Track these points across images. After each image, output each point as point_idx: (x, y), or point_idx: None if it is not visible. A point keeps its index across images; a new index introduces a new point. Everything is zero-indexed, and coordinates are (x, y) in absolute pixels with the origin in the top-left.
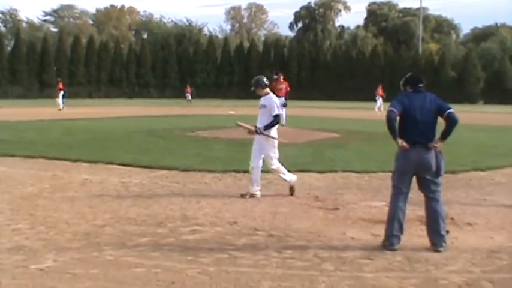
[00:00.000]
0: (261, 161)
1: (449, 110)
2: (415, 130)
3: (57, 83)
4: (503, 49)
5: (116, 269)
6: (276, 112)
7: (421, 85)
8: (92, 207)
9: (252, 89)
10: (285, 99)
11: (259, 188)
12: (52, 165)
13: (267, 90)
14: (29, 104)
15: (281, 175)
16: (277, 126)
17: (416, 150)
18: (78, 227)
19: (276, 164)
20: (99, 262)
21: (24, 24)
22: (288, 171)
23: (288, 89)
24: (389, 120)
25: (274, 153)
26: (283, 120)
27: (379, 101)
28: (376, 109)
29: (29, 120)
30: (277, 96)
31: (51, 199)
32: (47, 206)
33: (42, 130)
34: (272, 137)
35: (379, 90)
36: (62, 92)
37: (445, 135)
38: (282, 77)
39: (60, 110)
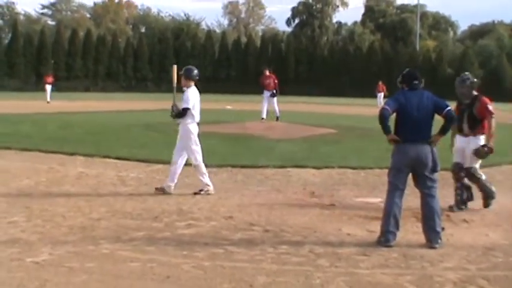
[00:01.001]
0: (183, 158)
1: (448, 108)
2: (411, 127)
3: (47, 76)
4: (501, 46)
5: (112, 263)
6: (184, 106)
7: (416, 82)
8: (88, 200)
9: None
10: (275, 91)
11: (172, 184)
12: (48, 158)
13: (191, 83)
14: (26, 97)
15: (199, 176)
16: (196, 125)
17: (413, 146)
18: (74, 221)
19: (197, 162)
20: (94, 256)
21: (21, 17)
22: (284, 166)
23: (276, 81)
24: (382, 117)
25: (197, 150)
26: (263, 114)
27: (381, 97)
28: (379, 105)
29: (26, 113)
30: (266, 90)
31: (47, 192)
32: (43, 199)
33: (38, 123)
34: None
35: (379, 87)
36: (50, 86)
37: (444, 130)
38: (267, 71)
39: (48, 102)
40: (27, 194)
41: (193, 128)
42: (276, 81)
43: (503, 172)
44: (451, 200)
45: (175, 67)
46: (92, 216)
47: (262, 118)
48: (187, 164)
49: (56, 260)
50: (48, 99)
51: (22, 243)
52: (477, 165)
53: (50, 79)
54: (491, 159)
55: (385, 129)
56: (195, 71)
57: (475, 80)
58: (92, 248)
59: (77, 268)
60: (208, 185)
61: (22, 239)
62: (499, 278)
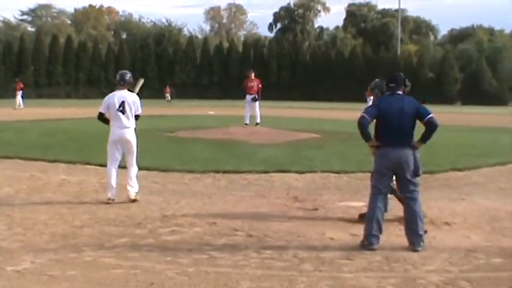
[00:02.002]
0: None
1: (430, 116)
2: (391, 132)
3: (15, 82)
4: (480, 50)
5: (95, 270)
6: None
7: (392, 84)
8: (70, 208)
9: (122, 83)
10: (257, 96)
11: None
12: (30, 165)
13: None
14: (6, 104)
15: (128, 183)
16: (115, 129)
17: (394, 150)
18: (56, 228)
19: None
20: (77, 263)
21: (0, 24)
22: (267, 171)
23: (260, 85)
24: (360, 126)
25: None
26: (246, 119)
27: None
28: None
29: (6, 120)
30: (249, 93)
31: (28, 200)
32: (24, 207)
33: (19, 130)
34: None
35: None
36: (20, 92)
37: (424, 138)
38: (253, 75)
39: (15, 109)
40: (8, 202)
41: (112, 132)
42: (260, 85)
43: (483, 174)
44: (434, 204)
45: (142, 81)
46: (75, 223)
47: (246, 123)
48: (168, 169)
49: (37, 268)
50: (17, 106)
51: (3, 251)
52: None
53: (20, 86)
54: (471, 162)
55: (365, 136)
56: (128, 74)
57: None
58: (75, 256)
59: (59, 276)
60: (133, 194)
61: (3, 247)
62: (481, 279)
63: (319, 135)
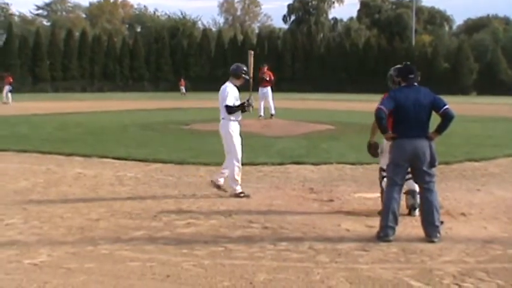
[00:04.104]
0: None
1: (446, 107)
2: (408, 123)
3: (5, 77)
4: (496, 40)
5: (111, 263)
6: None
7: (412, 76)
8: (86, 201)
9: (247, 77)
10: (271, 86)
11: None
12: (46, 159)
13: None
14: (22, 98)
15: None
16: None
17: (410, 141)
18: (72, 221)
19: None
20: (93, 256)
21: (16, 18)
22: (282, 163)
23: (272, 77)
24: (378, 118)
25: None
26: (261, 111)
27: None
28: None
29: (22, 114)
30: (263, 87)
31: (44, 194)
32: (41, 200)
33: (35, 124)
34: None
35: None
36: (9, 87)
37: (440, 129)
38: (266, 68)
39: (5, 103)
40: (25, 196)
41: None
42: (272, 77)
43: (499, 165)
44: (450, 195)
45: (251, 53)
46: (91, 216)
47: (260, 115)
48: (183, 162)
49: (54, 261)
50: (5, 99)
51: (20, 245)
52: (383, 165)
53: (8, 80)
54: (488, 152)
55: (382, 129)
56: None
57: (391, 72)
58: (91, 249)
59: (76, 269)
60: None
61: (20, 240)
62: (498, 270)
63: (333, 126)
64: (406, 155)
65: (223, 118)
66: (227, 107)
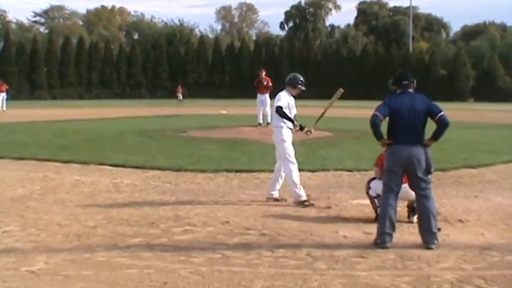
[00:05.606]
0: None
1: (441, 113)
2: (403, 130)
3: (0, 85)
4: (493, 47)
5: (108, 270)
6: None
7: (406, 82)
8: (84, 208)
9: (303, 88)
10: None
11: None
12: (43, 166)
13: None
14: (19, 106)
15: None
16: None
17: (405, 148)
18: (69, 229)
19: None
20: (91, 263)
21: (13, 26)
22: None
23: (270, 84)
24: (373, 125)
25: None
26: (259, 119)
27: None
28: None
29: (20, 121)
30: (261, 93)
31: (42, 201)
32: (38, 207)
33: (33, 132)
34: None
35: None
36: (4, 94)
37: (436, 136)
38: (263, 73)
39: (3, 111)
40: (22, 203)
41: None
42: (270, 84)
43: (496, 171)
44: (447, 201)
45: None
46: (88, 223)
47: (259, 123)
48: (180, 169)
49: (51, 268)
50: (3, 108)
51: (17, 252)
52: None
53: (3, 87)
54: (485, 159)
55: (377, 135)
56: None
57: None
58: (88, 256)
59: (73, 276)
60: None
61: (17, 248)
62: (496, 277)
63: (332, 133)
64: (401, 161)
65: (275, 127)
66: (279, 108)
